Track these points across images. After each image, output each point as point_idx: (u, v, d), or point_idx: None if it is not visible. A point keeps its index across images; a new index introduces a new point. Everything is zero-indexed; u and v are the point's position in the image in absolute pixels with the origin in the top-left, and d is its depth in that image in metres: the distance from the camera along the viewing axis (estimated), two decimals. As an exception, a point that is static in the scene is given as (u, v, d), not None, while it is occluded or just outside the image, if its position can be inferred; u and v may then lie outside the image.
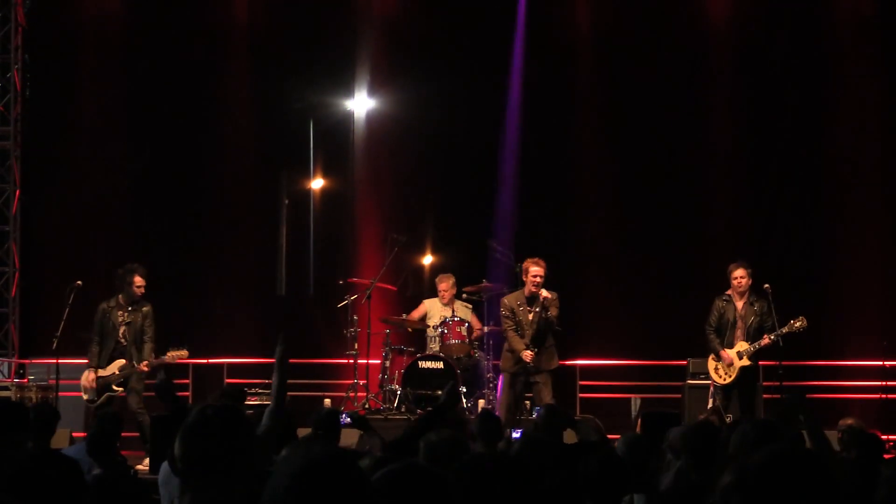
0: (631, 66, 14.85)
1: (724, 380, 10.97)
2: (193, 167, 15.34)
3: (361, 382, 12.37)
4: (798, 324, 10.76)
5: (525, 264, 11.14)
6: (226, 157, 15.29)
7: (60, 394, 11.62)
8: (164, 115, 14.66)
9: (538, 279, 10.94)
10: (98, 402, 10.76)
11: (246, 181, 15.32)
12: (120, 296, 10.97)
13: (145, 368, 10.77)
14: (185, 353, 11.02)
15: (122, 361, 10.84)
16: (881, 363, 13.17)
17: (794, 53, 14.55)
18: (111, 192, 14.75)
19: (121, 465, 6.07)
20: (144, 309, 10.96)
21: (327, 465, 2.35)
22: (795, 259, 14.17)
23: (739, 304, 11.01)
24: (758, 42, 14.73)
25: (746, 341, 10.91)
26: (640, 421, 10.82)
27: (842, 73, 14.44)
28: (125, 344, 10.88)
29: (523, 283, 11.13)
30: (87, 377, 10.89)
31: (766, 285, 10.95)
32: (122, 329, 10.89)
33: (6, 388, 12.33)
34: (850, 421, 7.39)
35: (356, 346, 12.39)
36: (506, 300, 11.18)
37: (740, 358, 10.91)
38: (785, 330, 10.75)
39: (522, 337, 10.94)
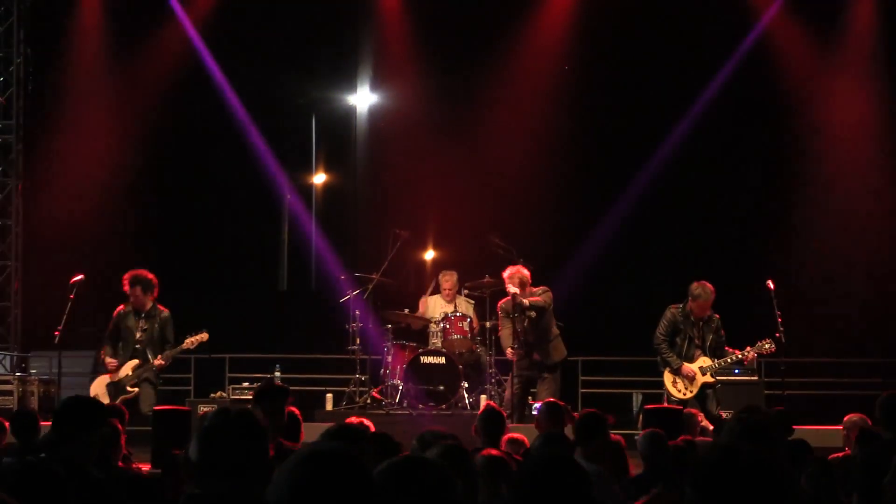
0: (627, 67, 14.86)
1: (684, 394, 10.51)
2: (195, 162, 15.34)
3: (363, 377, 12.37)
4: (767, 346, 10.43)
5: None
6: (228, 152, 15.29)
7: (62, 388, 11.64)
8: (166, 109, 14.65)
9: (510, 288, 11.04)
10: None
11: (248, 176, 15.32)
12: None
13: (161, 362, 10.68)
14: (205, 335, 10.75)
15: (135, 361, 10.73)
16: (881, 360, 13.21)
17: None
18: (113, 186, 14.74)
19: (117, 471, 5.70)
20: (163, 315, 10.80)
21: (330, 454, 2.36)
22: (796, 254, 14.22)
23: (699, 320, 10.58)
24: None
25: (706, 356, 10.52)
26: (641, 416, 10.82)
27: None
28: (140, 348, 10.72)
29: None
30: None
31: (770, 282, 10.84)
32: (138, 335, 10.73)
33: (8, 382, 12.33)
34: (855, 418, 7.37)
35: (358, 341, 12.38)
36: (503, 305, 11.34)
37: (703, 374, 10.49)
38: (755, 351, 10.50)
39: (519, 339, 11.04)
